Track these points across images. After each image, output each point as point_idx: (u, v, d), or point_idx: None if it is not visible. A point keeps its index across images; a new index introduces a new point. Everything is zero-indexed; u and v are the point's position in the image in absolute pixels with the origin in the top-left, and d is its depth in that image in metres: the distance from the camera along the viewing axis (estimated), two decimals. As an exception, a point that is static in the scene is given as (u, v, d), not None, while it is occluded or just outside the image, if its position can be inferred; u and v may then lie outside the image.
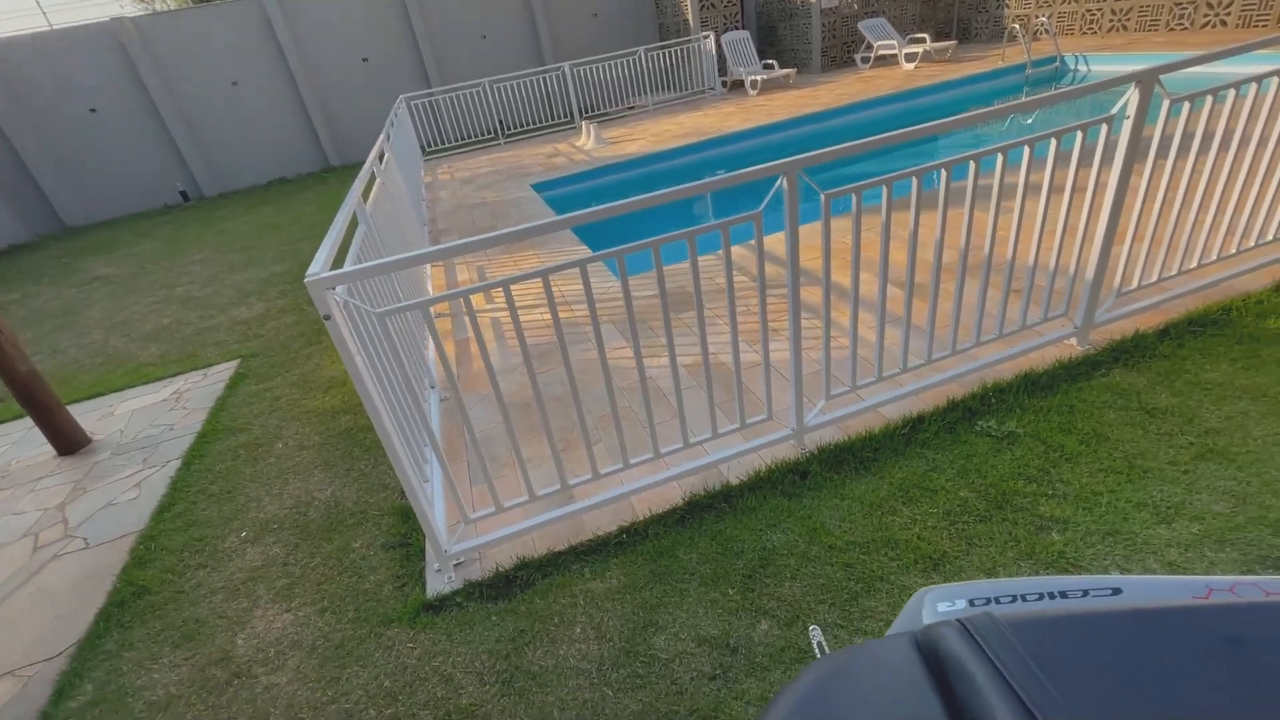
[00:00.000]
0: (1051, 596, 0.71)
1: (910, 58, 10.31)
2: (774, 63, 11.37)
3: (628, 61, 11.41)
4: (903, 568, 1.84)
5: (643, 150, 8.24)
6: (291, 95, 12.17)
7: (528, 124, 11.87)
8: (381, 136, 4.33)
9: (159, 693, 1.92)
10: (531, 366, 1.93)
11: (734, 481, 2.27)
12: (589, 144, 9.30)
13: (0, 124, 10.45)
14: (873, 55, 11.00)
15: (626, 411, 2.73)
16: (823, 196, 1.96)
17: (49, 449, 3.41)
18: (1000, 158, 2.11)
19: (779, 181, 1.89)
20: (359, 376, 1.74)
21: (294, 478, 2.84)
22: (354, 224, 2.44)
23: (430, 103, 10.85)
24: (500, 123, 11.49)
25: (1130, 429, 2.16)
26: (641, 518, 2.18)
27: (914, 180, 2.01)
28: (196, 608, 2.21)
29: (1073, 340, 2.63)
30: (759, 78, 10.68)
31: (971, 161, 2.09)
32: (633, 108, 11.67)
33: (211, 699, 1.87)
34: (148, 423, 3.61)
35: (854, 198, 2.01)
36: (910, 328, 2.35)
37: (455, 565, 2.13)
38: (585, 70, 11.06)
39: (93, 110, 11.07)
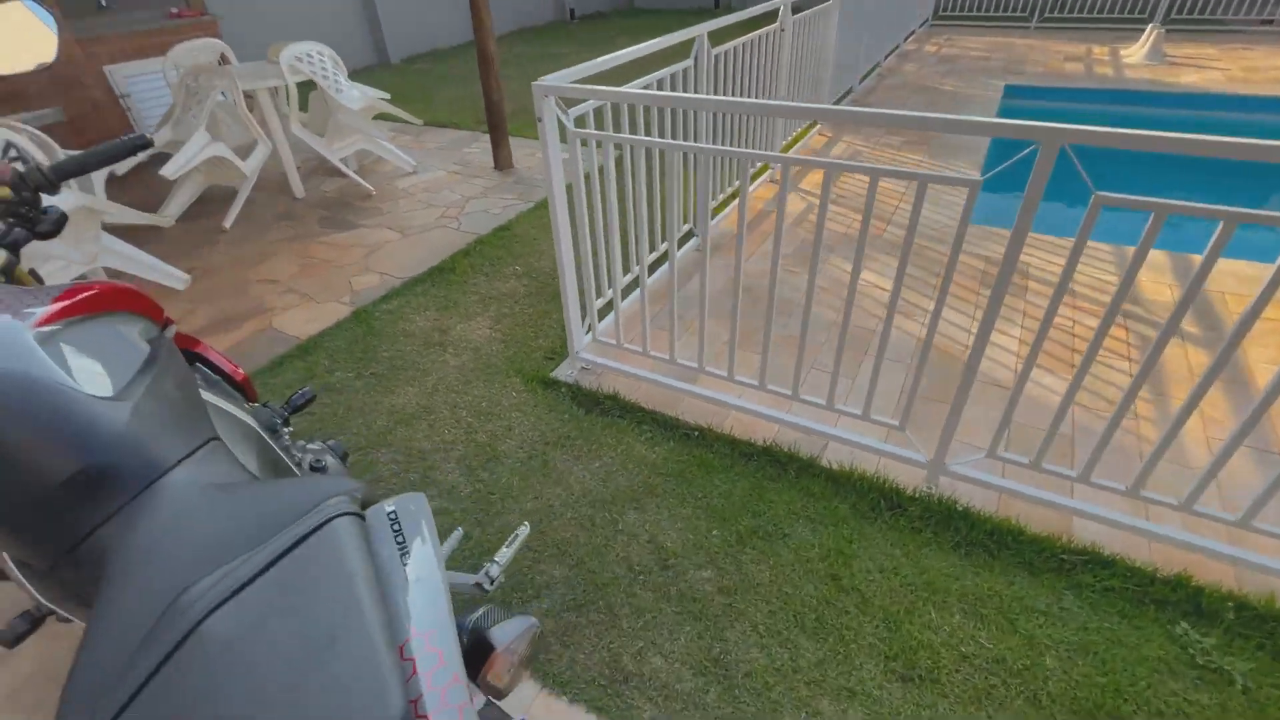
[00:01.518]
0: None
1: None
2: None
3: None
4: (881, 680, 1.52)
5: (1200, 86, 5.87)
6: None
7: (1079, 10, 9.31)
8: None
9: (418, 324, 2.92)
10: (777, 262, 1.97)
11: (823, 461, 2.04)
12: (1136, 56, 7.00)
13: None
14: None
15: (813, 344, 2.54)
16: (1093, 196, 1.34)
17: (490, 161, 4.84)
18: None
19: (1031, 149, 1.36)
20: (551, 182, 2.07)
21: (572, 251, 3.54)
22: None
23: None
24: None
25: None
26: (722, 430, 2.19)
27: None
28: (464, 294, 3.15)
29: None
30: None
31: None
32: (1272, 21, 8.04)
33: (422, 350, 2.77)
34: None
35: (1151, 218, 1.32)
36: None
37: (581, 368, 2.53)
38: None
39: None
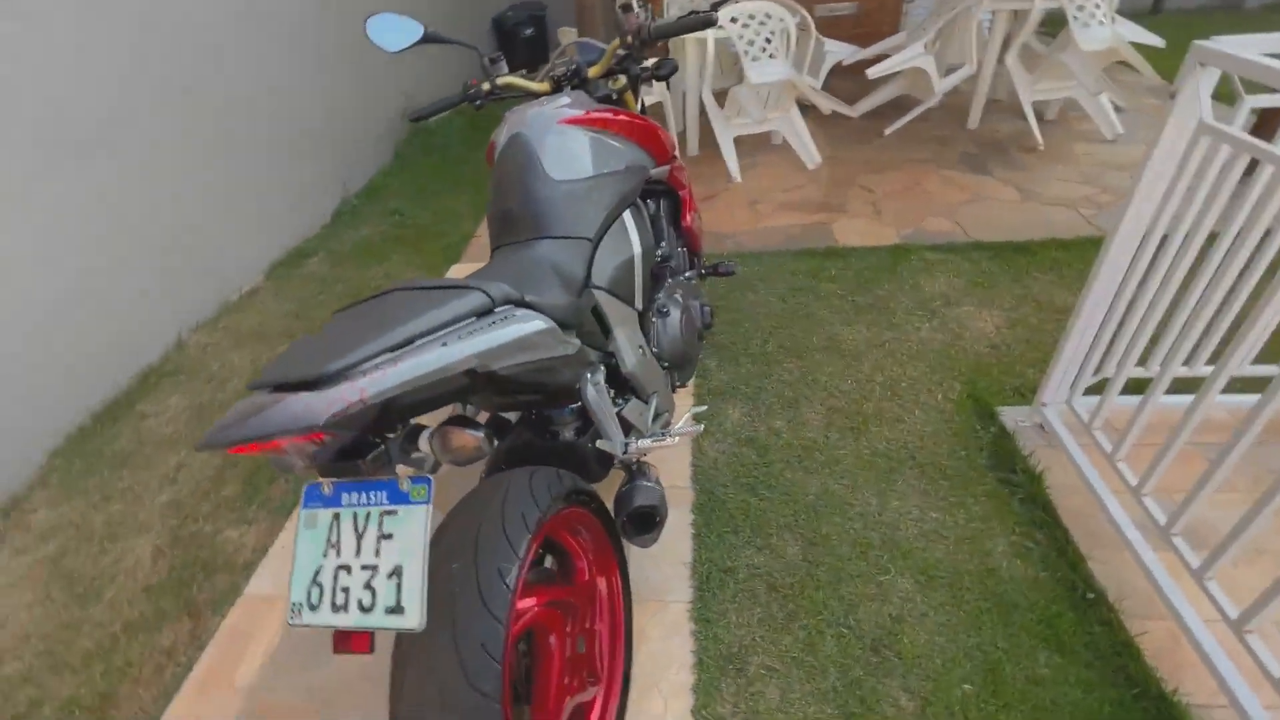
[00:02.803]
0: None
1: None
2: None
3: None
4: None
5: None
6: None
7: None
8: None
9: (928, 285, 2.73)
10: None
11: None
12: None
13: None
14: None
15: None
16: None
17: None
18: None
19: None
20: (1141, 180, 1.49)
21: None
22: None
23: None
24: None
25: None
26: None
27: None
28: (1004, 281, 2.69)
29: None
30: None
31: None
32: None
33: (908, 309, 2.60)
34: None
35: None
36: None
37: (1034, 423, 1.94)
38: None
39: None
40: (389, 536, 0.78)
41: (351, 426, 0.72)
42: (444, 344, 0.80)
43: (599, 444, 1.16)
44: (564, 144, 1.37)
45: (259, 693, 1.47)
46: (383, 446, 0.84)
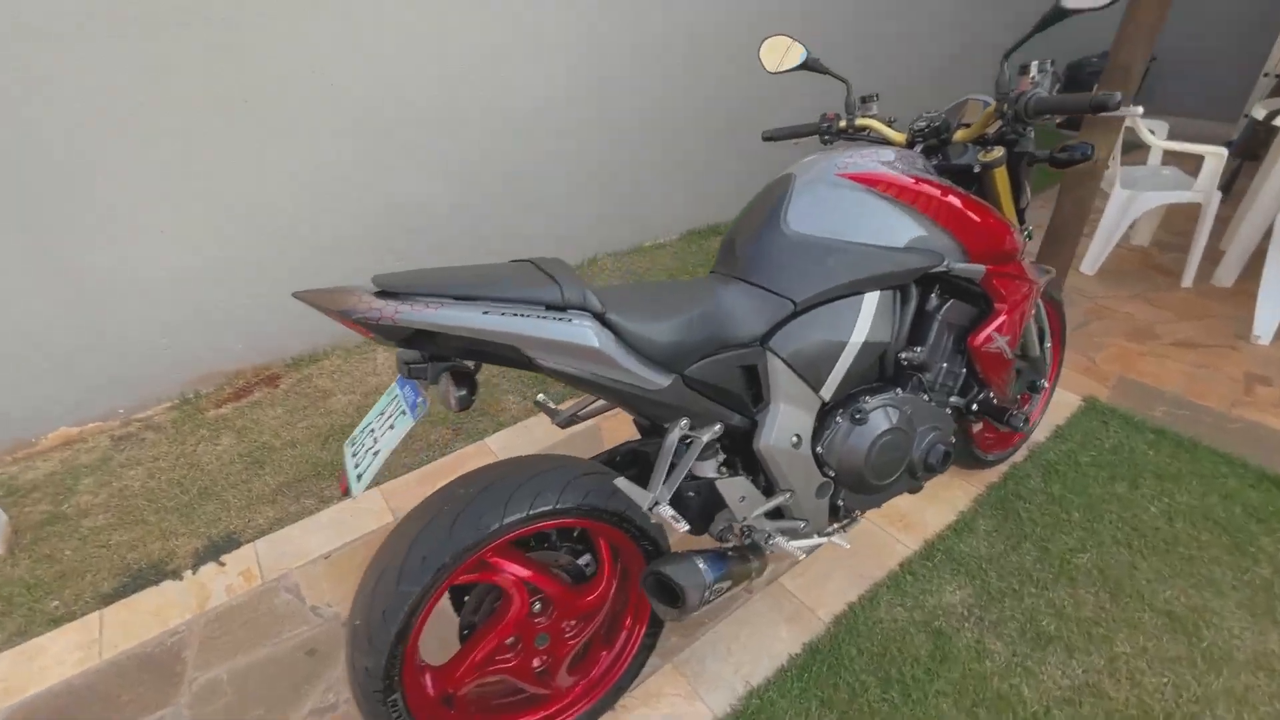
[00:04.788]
0: None
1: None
2: None
3: None
4: None
5: None
6: None
7: None
8: None
9: None
10: None
11: None
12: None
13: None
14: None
15: None
16: None
17: None
18: None
19: None
20: None
21: None
22: None
23: None
24: None
25: None
26: None
27: None
28: None
29: None
30: None
31: None
32: None
33: None
34: None
35: None
36: None
37: None
38: None
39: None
40: (391, 427, 0.97)
41: (389, 336, 0.89)
42: (485, 312, 0.90)
43: (618, 481, 1.07)
44: (826, 197, 1.22)
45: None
46: (440, 367, 1.00)
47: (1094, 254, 3.15)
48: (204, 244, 2.37)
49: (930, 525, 1.82)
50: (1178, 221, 3.56)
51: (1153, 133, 3.21)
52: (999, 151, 1.32)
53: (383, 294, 0.87)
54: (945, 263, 1.27)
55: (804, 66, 1.54)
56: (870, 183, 1.22)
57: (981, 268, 1.31)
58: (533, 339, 0.91)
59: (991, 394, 1.50)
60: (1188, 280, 3.03)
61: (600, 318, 0.97)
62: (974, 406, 1.50)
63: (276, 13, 2.21)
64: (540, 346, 0.92)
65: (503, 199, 3.06)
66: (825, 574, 1.68)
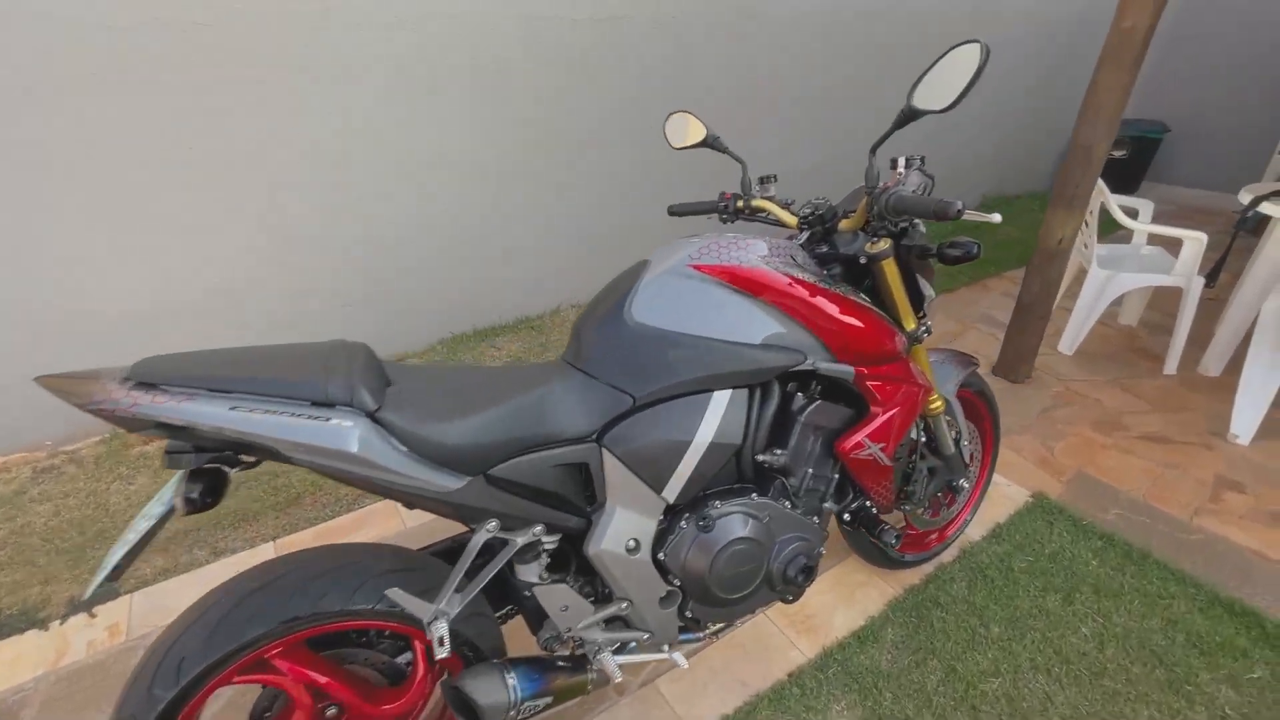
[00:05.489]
0: None
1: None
2: None
3: None
4: None
5: None
6: None
7: None
8: None
9: None
10: None
11: None
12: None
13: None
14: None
15: None
16: None
17: None
18: None
19: None
20: None
21: None
22: None
23: None
24: None
25: None
26: None
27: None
28: None
29: None
30: None
31: None
32: None
33: None
34: None
35: None
36: None
37: None
38: None
39: None
40: (145, 516, 0.91)
41: (130, 428, 0.84)
42: (233, 408, 0.84)
43: (391, 592, 0.98)
44: (674, 288, 1.14)
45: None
46: (205, 458, 0.94)
47: (1071, 334, 3.01)
48: (157, 287, 2.40)
49: (835, 630, 1.68)
50: (1169, 302, 3.38)
51: (1138, 212, 3.09)
52: (885, 243, 1.24)
53: (137, 383, 0.83)
54: (810, 361, 1.18)
55: (704, 144, 1.50)
56: (723, 276, 1.15)
57: (850, 369, 1.22)
58: (285, 441, 0.85)
59: (869, 502, 1.38)
60: (1170, 367, 2.86)
61: (372, 415, 0.91)
62: (845, 516, 1.38)
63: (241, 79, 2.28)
64: (295, 447, 0.86)
65: (469, 247, 3.06)
66: (707, 680, 1.55)
